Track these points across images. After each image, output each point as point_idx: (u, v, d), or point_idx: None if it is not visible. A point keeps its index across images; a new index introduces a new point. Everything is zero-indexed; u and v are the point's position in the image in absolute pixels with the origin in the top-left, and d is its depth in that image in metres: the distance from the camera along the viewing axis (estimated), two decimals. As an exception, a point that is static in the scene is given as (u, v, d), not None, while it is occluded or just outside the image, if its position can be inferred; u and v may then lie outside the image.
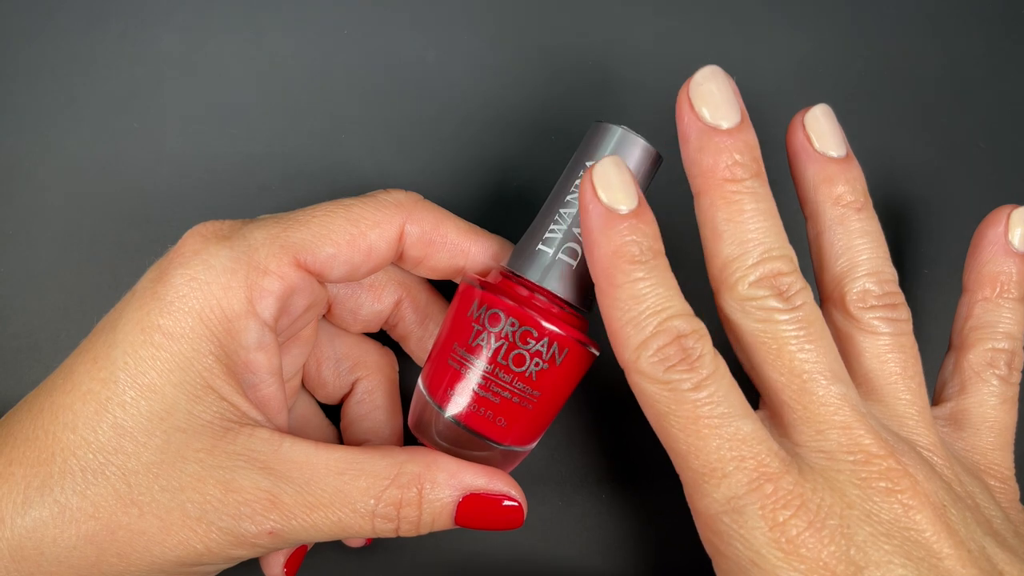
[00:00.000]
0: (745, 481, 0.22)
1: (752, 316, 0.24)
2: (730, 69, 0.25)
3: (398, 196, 0.27)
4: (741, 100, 0.25)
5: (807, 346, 0.24)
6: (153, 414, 0.23)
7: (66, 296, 0.32)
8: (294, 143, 0.33)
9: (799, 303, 0.24)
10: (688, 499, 0.24)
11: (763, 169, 0.25)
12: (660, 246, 0.24)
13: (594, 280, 0.24)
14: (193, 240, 0.25)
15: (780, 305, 0.24)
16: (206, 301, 0.24)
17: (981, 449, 0.27)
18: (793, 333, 0.24)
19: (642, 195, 0.24)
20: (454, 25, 0.34)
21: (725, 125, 0.24)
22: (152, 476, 0.23)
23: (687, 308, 0.24)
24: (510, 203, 0.34)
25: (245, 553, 0.24)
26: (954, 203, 0.35)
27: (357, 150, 0.34)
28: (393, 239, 0.26)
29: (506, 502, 0.26)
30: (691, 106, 0.25)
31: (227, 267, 0.24)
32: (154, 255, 0.26)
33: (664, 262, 0.24)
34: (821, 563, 0.22)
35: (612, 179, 0.24)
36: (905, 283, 0.26)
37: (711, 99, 0.24)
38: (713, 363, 0.23)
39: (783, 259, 0.24)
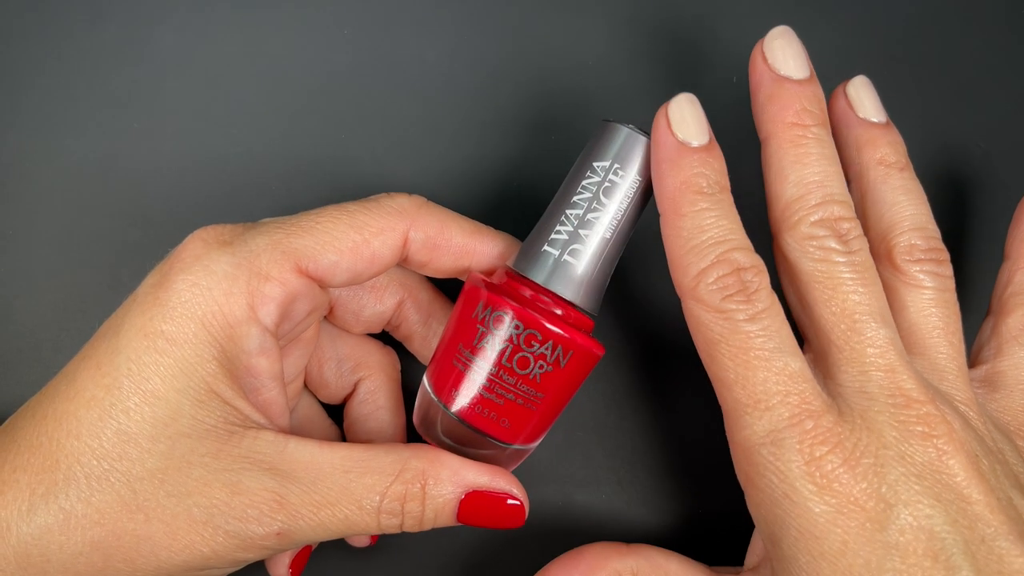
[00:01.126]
0: (787, 415, 0.23)
1: (810, 255, 0.25)
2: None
3: (402, 201, 0.27)
4: (810, 61, 0.26)
5: (860, 289, 0.24)
6: (157, 420, 0.23)
7: (66, 296, 0.32)
8: (294, 143, 0.33)
9: (856, 248, 0.25)
10: (728, 430, 0.25)
11: (828, 122, 0.26)
12: (727, 183, 0.25)
13: (660, 211, 0.25)
14: (194, 245, 0.25)
15: (838, 247, 0.24)
16: (208, 307, 0.24)
17: (1013, 411, 0.27)
18: (848, 275, 0.24)
19: (712, 134, 0.25)
20: (454, 25, 0.34)
21: (796, 76, 0.26)
22: (157, 482, 0.23)
23: (748, 243, 0.24)
24: (510, 202, 0.34)
25: (252, 556, 0.24)
26: (995, 176, 0.35)
27: (357, 150, 0.34)
28: (397, 245, 0.26)
29: (508, 501, 0.26)
30: (764, 58, 0.26)
31: (228, 273, 0.24)
32: (154, 255, 0.26)
33: (729, 198, 0.25)
34: (852, 499, 0.22)
35: (686, 114, 0.25)
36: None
37: (782, 54, 0.26)
38: (769, 298, 0.24)
39: (844, 204, 0.25)
